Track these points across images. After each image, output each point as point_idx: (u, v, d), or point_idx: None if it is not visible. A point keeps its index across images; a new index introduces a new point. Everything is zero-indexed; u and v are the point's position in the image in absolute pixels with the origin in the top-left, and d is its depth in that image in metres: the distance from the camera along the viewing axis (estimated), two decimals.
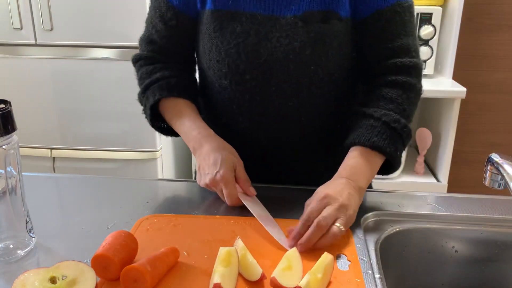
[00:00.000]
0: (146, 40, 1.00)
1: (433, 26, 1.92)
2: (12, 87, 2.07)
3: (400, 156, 0.88)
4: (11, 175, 0.70)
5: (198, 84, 1.05)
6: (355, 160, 0.85)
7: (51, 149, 2.13)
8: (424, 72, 1.98)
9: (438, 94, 1.90)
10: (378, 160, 0.86)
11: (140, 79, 1.00)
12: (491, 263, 0.86)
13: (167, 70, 0.98)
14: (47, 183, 1.01)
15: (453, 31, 1.90)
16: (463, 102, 1.93)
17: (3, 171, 0.69)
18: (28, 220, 0.74)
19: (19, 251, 0.73)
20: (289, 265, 0.67)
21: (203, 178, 0.88)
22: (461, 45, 1.97)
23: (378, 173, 0.89)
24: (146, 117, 1.01)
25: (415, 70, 0.91)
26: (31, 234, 0.75)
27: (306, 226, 0.74)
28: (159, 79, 0.96)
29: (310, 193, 0.81)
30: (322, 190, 0.79)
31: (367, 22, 0.89)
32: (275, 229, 0.78)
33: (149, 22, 0.99)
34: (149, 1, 1.00)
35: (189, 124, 0.95)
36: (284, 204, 0.88)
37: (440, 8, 1.92)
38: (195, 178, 0.93)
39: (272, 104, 0.92)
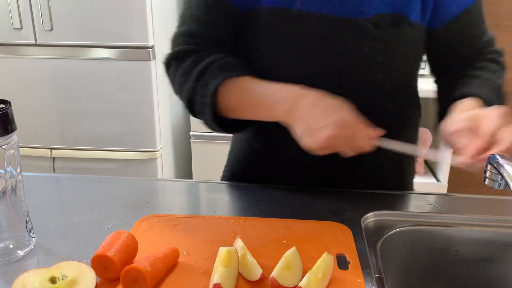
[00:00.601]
0: (185, 34, 0.86)
1: None
2: (12, 87, 2.07)
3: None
4: (11, 175, 0.70)
5: None
6: (472, 103, 0.80)
7: (51, 149, 2.14)
8: (424, 72, 1.97)
9: None
10: None
11: (185, 74, 0.84)
12: (491, 263, 0.86)
13: (216, 54, 0.83)
14: (47, 183, 1.01)
15: None
16: None
17: (3, 171, 0.69)
18: (28, 220, 0.74)
19: (19, 251, 0.73)
20: (288, 265, 0.67)
21: (319, 133, 0.72)
22: None
23: None
24: (202, 112, 0.83)
25: (503, 55, 0.94)
26: (31, 234, 0.75)
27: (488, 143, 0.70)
28: (213, 61, 0.81)
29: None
30: (476, 113, 0.73)
31: (458, 22, 0.87)
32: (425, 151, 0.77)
33: (188, 15, 0.87)
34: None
35: (269, 90, 0.79)
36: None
37: None
38: (192, 177, 0.92)
39: None
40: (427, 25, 0.87)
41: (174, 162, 2.37)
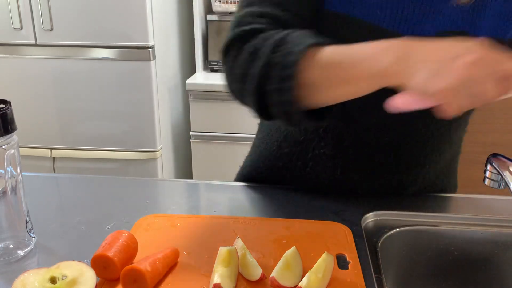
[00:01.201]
0: (254, 14, 0.71)
1: None
2: (12, 87, 2.07)
3: None
4: (11, 175, 0.70)
5: None
6: None
7: (51, 149, 2.14)
8: None
9: None
10: None
11: (253, 54, 0.67)
12: (491, 263, 0.86)
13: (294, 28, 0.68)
14: (47, 183, 1.01)
15: None
16: None
17: (3, 171, 0.69)
18: (28, 220, 0.74)
19: (19, 251, 0.73)
20: (288, 265, 0.67)
21: (459, 60, 0.53)
22: None
23: None
24: (280, 89, 0.64)
25: None
26: (31, 234, 0.75)
27: None
28: (291, 32, 0.66)
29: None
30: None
31: None
32: None
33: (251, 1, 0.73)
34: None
35: (371, 44, 0.61)
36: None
37: None
38: (189, 177, 0.91)
39: (377, 130, 0.82)
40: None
41: (174, 162, 2.37)
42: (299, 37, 0.65)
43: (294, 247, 0.71)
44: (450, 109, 0.55)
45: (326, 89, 0.65)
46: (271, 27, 0.69)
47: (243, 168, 1.05)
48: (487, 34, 0.74)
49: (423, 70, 0.55)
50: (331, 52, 0.64)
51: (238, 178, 1.04)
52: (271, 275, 0.65)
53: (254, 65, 0.67)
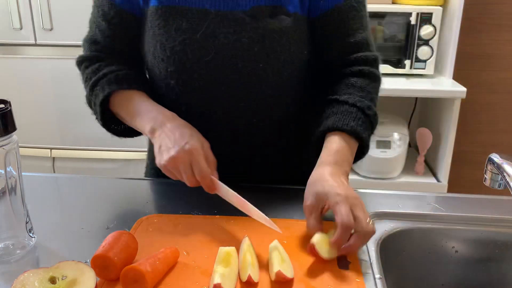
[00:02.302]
0: (90, 40, 0.96)
1: (433, 26, 1.92)
2: (12, 87, 2.07)
3: (369, 143, 0.88)
4: (11, 175, 0.70)
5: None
6: (336, 145, 0.82)
7: (51, 149, 2.14)
8: (424, 72, 1.98)
9: (438, 94, 1.90)
10: (355, 146, 0.85)
11: (86, 80, 0.94)
12: (491, 263, 0.86)
13: (113, 65, 0.93)
14: (47, 183, 1.01)
15: (453, 31, 1.90)
16: (463, 102, 1.92)
17: (3, 171, 0.69)
18: (28, 220, 0.74)
19: (19, 251, 0.73)
20: (327, 241, 0.71)
21: (166, 154, 0.80)
22: (461, 45, 1.97)
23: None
24: (96, 117, 0.95)
25: (376, 62, 0.93)
26: (31, 234, 0.75)
27: (348, 232, 0.70)
28: (106, 74, 0.91)
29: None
30: (331, 190, 0.74)
31: (327, 17, 0.89)
32: (261, 215, 0.76)
33: (92, 22, 0.96)
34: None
35: (147, 107, 0.88)
36: (273, 203, 0.88)
37: (440, 8, 1.92)
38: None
39: (222, 105, 0.90)
40: (308, 15, 0.90)
41: None
42: (108, 82, 0.90)
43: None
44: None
45: (124, 121, 0.92)
46: (99, 55, 0.95)
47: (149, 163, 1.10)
48: (297, 8, 0.87)
49: (155, 146, 0.82)
50: (123, 105, 0.90)
51: (149, 174, 1.09)
52: (310, 242, 0.70)
53: (86, 92, 0.95)
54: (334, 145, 0.83)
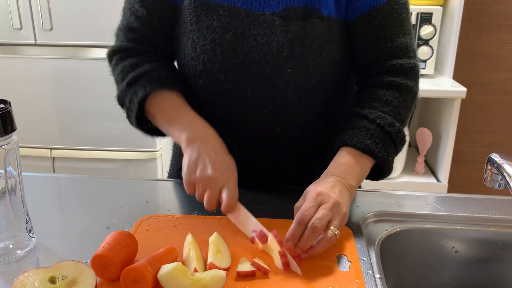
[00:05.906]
0: (125, 28, 0.91)
1: (433, 26, 1.92)
2: (12, 87, 2.07)
3: (392, 162, 0.84)
4: (11, 175, 0.70)
5: None
6: (345, 159, 0.80)
7: (51, 149, 2.13)
8: (424, 72, 1.98)
9: (438, 94, 1.90)
10: (368, 163, 0.81)
11: (122, 73, 0.89)
12: (491, 263, 0.86)
13: (155, 62, 0.89)
14: (47, 183, 1.01)
15: (453, 31, 1.90)
16: (463, 102, 1.93)
17: (3, 171, 0.69)
18: (28, 220, 0.74)
19: (19, 251, 0.73)
20: (218, 250, 0.71)
21: (202, 170, 0.77)
22: (461, 45, 1.97)
23: (368, 178, 0.85)
24: (129, 115, 0.91)
25: (413, 72, 0.86)
26: (31, 234, 0.75)
27: (301, 227, 0.70)
28: (148, 71, 0.87)
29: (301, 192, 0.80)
30: (313, 189, 0.75)
31: (363, 20, 0.83)
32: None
33: (128, 9, 0.91)
34: None
35: (191, 117, 0.85)
36: (276, 204, 0.88)
37: (440, 8, 1.92)
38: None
39: (247, 110, 0.87)
40: (344, 19, 0.85)
41: None
42: (149, 80, 0.86)
43: (215, 232, 0.74)
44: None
45: (156, 123, 0.89)
46: (137, 47, 0.90)
47: (171, 167, 1.09)
48: (331, 11, 0.83)
49: (184, 160, 0.80)
50: (160, 107, 0.87)
51: (171, 176, 1.08)
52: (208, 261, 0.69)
53: (119, 86, 0.91)
54: (342, 159, 0.81)
